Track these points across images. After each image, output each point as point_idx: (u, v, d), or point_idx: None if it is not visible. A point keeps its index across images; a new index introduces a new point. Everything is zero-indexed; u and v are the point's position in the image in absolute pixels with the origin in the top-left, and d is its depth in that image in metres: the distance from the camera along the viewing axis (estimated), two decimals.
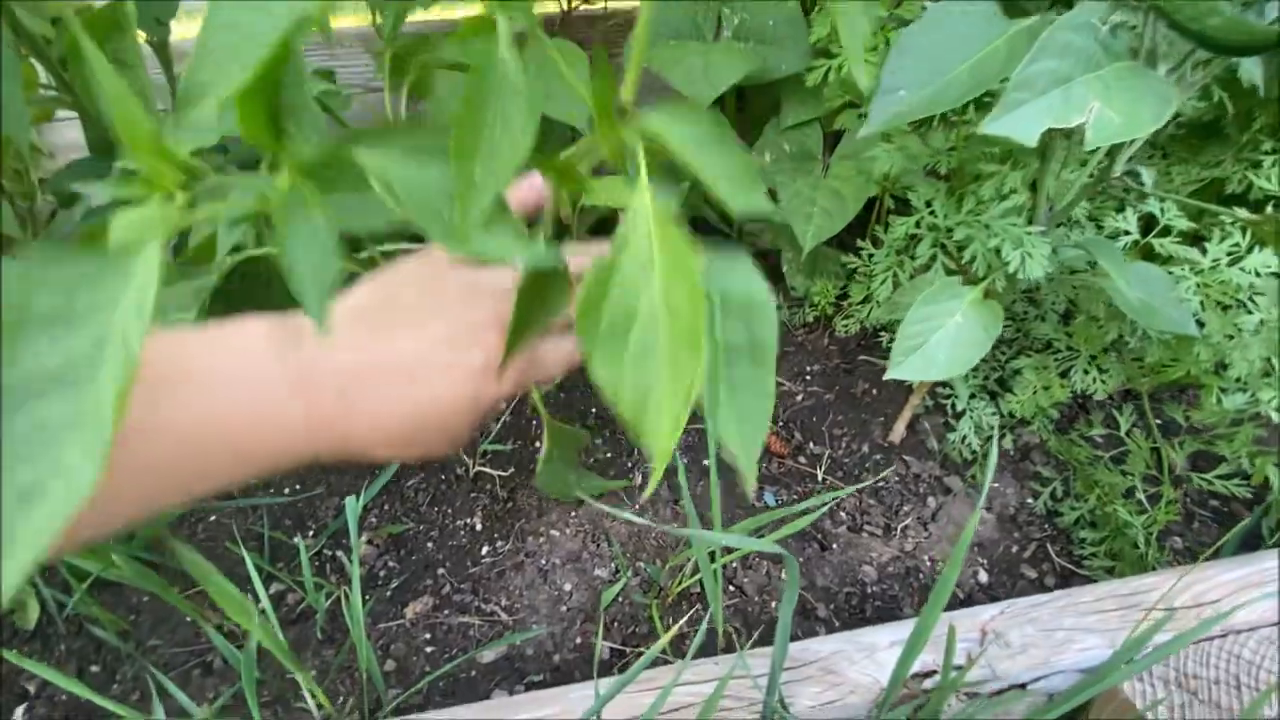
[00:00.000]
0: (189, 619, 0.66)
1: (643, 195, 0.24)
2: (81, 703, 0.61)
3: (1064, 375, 0.72)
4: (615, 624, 0.67)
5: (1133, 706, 0.50)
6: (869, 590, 0.71)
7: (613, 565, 0.71)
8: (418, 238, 0.26)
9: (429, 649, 0.66)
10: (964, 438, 0.77)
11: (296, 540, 0.72)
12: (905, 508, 0.77)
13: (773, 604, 0.69)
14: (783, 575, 0.71)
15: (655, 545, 0.73)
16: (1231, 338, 0.60)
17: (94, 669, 0.64)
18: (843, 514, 0.76)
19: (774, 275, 0.96)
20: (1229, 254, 0.59)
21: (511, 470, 0.78)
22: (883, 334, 0.89)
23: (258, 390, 0.27)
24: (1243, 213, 0.59)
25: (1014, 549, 0.75)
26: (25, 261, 0.18)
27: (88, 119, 0.58)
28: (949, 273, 0.66)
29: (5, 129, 0.44)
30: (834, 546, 0.73)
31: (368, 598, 0.69)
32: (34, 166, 0.65)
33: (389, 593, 0.70)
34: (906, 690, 0.50)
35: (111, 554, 0.57)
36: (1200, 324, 0.59)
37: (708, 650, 0.63)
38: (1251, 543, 0.71)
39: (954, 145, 0.67)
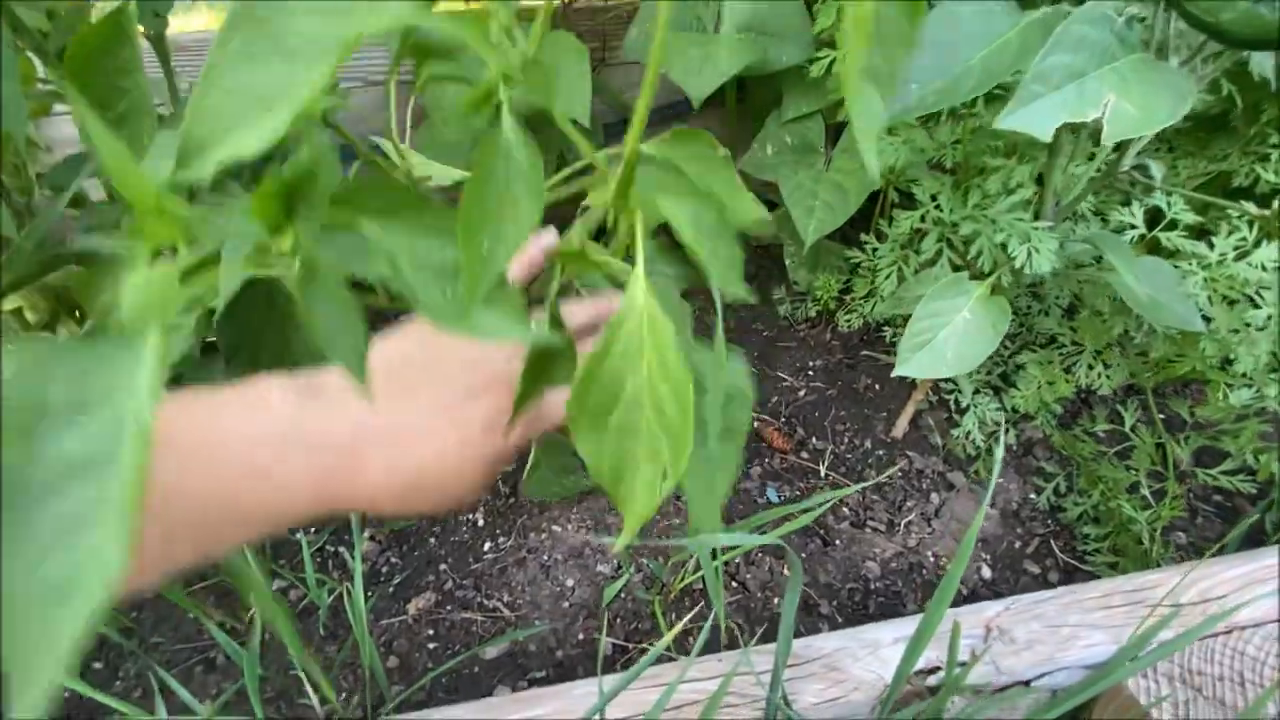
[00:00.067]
0: (191, 615, 0.66)
1: (638, 288, 0.26)
2: (84, 700, 0.61)
3: (1068, 370, 0.71)
4: (618, 620, 0.67)
5: (1137, 703, 0.50)
6: (872, 586, 0.70)
7: (615, 561, 0.71)
8: None
9: (431, 645, 0.66)
10: (968, 433, 0.77)
11: (298, 536, 0.71)
12: (908, 503, 0.77)
13: (775, 600, 0.69)
14: (785, 571, 0.71)
15: (658, 541, 0.73)
16: (1237, 332, 0.59)
17: (96, 666, 0.64)
18: (845, 510, 0.76)
19: (776, 268, 0.95)
20: (1236, 248, 0.59)
21: (513, 466, 0.78)
22: (885, 329, 0.88)
23: (272, 455, 0.28)
24: (1250, 207, 0.58)
25: (1017, 544, 0.74)
26: (37, 353, 0.19)
27: None
28: (955, 268, 0.65)
29: (4, 124, 0.44)
30: (837, 543, 0.73)
31: (370, 594, 0.69)
32: (32, 161, 0.64)
33: (391, 589, 0.69)
34: (910, 687, 0.50)
35: None
36: (1206, 319, 0.59)
37: (711, 647, 0.63)
38: (1256, 538, 0.71)
39: (959, 138, 0.66)
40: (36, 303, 0.69)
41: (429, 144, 0.77)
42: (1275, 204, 0.58)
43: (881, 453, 0.81)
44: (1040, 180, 0.61)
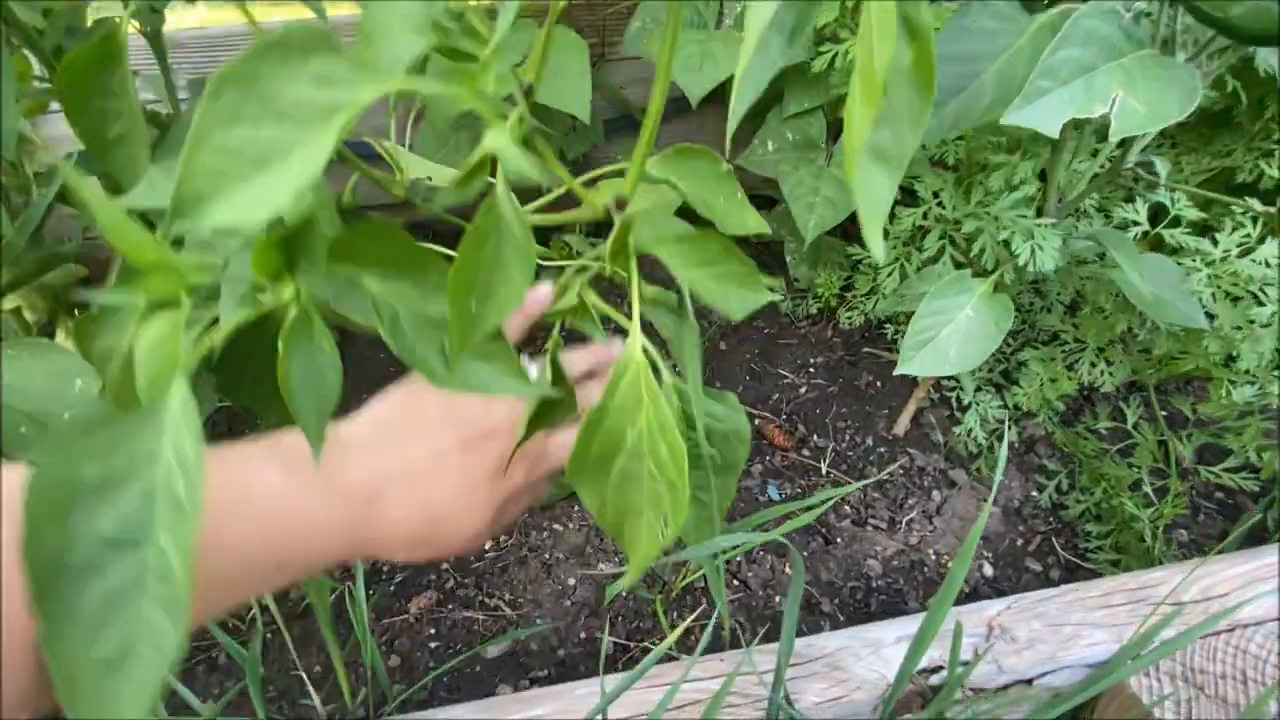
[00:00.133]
0: None
1: (635, 343, 0.27)
2: None
3: (1070, 367, 0.71)
4: (619, 619, 0.67)
5: (1139, 702, 0.50)
6: (874, 584, 0.70)
7: (616, 560, 0.71)
8: None
9: (433, 644, 0.66)
10: (969, 431, 0.77)
11: None
12: (910, 501, 0.77)
13: (777, 598, 0.69)
14: (787, 569, 0.71)
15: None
16: (1241, 329, 0.59)
17: None
18: (847, 508, 0.76)
19: (777, 265, 0.95)
20: (1239, 245, 0.59)
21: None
22: (887, 326, 0.88)
23: (300, 505, 0.30)
24: (1254, 203, 0.58)
25: (1019, 542, 0.74)
26: (61, 437, 0.20)
27: None
28: (957, 265, 0.65)
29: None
30: (838, 541, 0.73)
31: (371, 593, 0.69)
32: (29, 160, 0.64)
33: (392, 588, 0.69)
34: (912, 686, 0.50)
35: None
36: (1210, 316, 0.58)
37: (712, 646, 0.63)
38: (1258, 536, 0.70)
39: (962, 135, 0.66)
40: (35, 302, 0.69)
41: (429, 143, 0.77)
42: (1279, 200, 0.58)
43: (883, 450, 0.81)
44: (1043, 177, 0.60)
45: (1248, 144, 0.66)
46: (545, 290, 0.38)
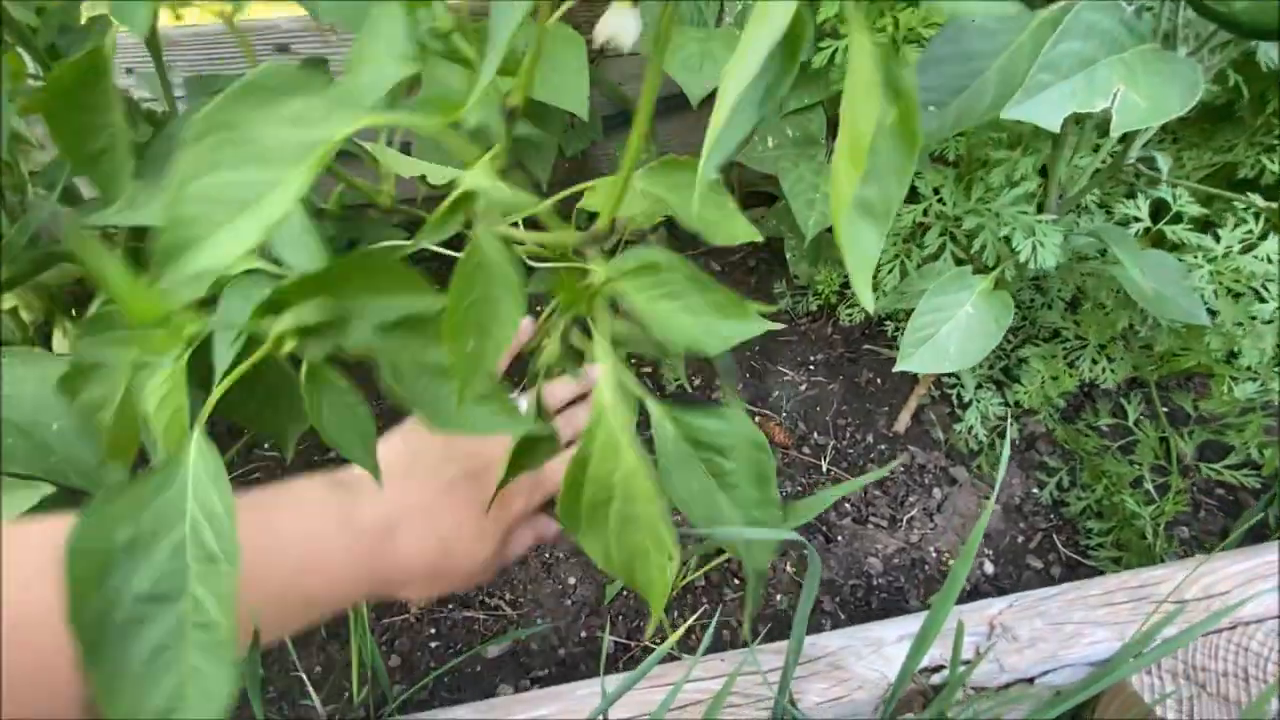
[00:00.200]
0: None
1: (607, 393, 0.28)
2: None
3: (1071, 364, 0.71)
4: (620, 618, 0.67)
5: (1140, 700, 0.49)
6: (874, 583, 0.70)
7: None
8: None
9: (434, 644, 0.66)
10: (970, 428, 0.77)
11: None
12: (910, 499, 0.77)
13: (778, 597, 0.69)
14: (787, 568, 0.71)
15: None
16: (1242, 326, 0.59)
17: None
18: (847, 505, 0.76)
19: (777, 262, 0.95)
20: (1241, 241, 0.58)
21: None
22: (887, 323, 0.88)
23: (324, 547, 0.31)
24: (1256, 199, 0.57)
25: (1020, 539, 0.74)
26: (91, 507, 0.20)
27: None
28: (958, 261, 0.65)
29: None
30: (839, 539, 0.73)
31: None
32: (24, 159, 0.64)
33: None
34: (914, 685, 0.49)
35: None
36: (1211, 312, 0.58)
37: (713, 646, 0.63)
38: (1260, 533, 0.70)
39: (963, 131, 0.65)
40: (31, 302, 0.68)
41: (425, 141, 0.76)
42: None
43: (884, 447, 0.81)
44: (1044, 173, 0.60)
45: (1249, 139, 0.66)
46: (526, 324, 0.40)
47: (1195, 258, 0.59)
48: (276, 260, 0.28)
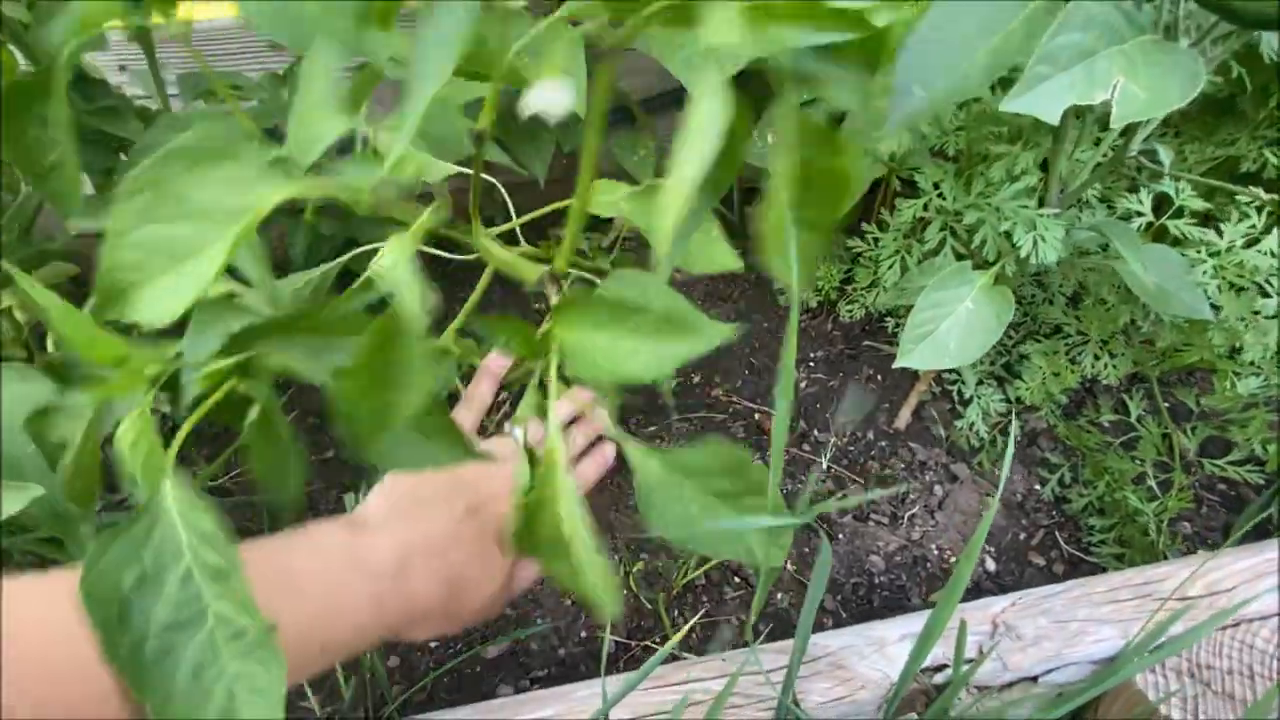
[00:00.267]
0: None
1: (553, 443, 0.29)
2: None
3: (1073, 360, 0.71)
4: (620, 617, 0.67)
5: (1145, 699, 0.49)
6: (876, 581, 0.70)
7: (617, 557, 0.71)
8: None
9: (433, 644, 0.65)
10: (971, 424, 0.76)
11: None
12: (912, 496, 0.76)
13: (778, 595, 0.68)
14: (788, 566, 0.70)
15: (660, 537, 0.72)
16: (1246, 320, 0.58)
17: None
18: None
19: None
20: (1245, 236, 0.58)
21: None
22: (888, 319, 0.87)
23: (340, 590, 0.32)
24: (1259, 192, 0.57)
25: (1021, 536, 0.74)
26: (91, 556, 0.21)
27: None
28: (958, 257, 0.64)
29: None
30: (840, 536, 0.73)
31: None
32: None
33: None
34: (916, 685, 0.49)
35: None
36: (1214, 307, 0.58)
37: (714, 645, 0.63)
38: (1262, 529, 0.70)
39: (963, 125, 0.65)
40: (27, 301, 0.68)
41: (418, 135, 0.76)
42: None
43: (884, 444, 0.80)
44: (1045, 167, 0.59)
45: (1252, 133, 0.65)
46: (500, 360, 0.42)
47: (1198, 252, 0.59)
48: (245, 280, 0.29)
